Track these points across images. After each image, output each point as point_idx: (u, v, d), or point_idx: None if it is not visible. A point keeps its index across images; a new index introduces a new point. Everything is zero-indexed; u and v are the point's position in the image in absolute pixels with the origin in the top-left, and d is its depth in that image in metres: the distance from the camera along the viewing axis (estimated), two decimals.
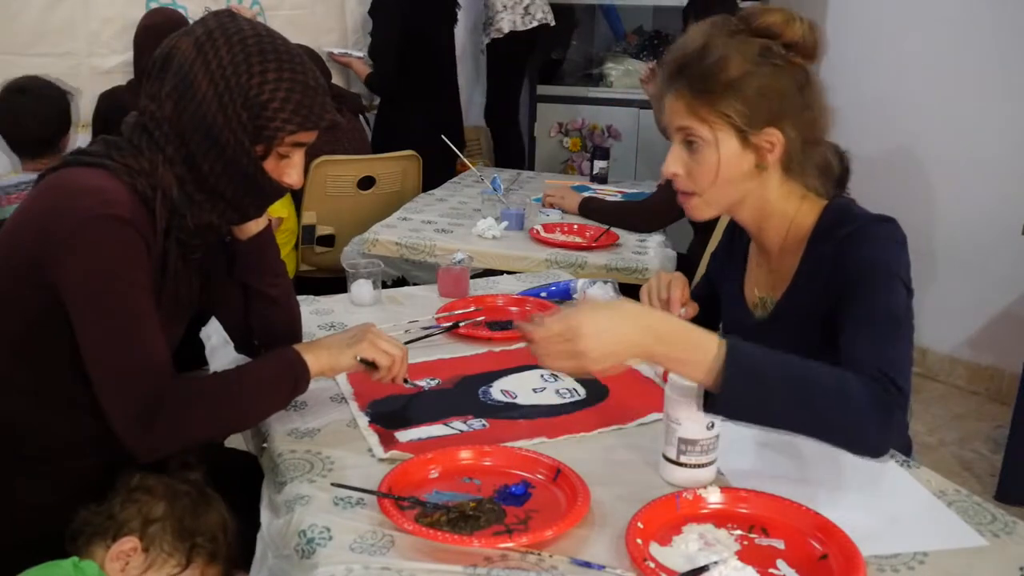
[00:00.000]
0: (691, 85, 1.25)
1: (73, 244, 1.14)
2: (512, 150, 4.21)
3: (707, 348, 1.05)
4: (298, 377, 1.26)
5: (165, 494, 1.23)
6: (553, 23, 4.07)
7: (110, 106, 2.88)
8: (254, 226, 1.41)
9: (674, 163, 1.30)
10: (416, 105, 3.69)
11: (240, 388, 1.23)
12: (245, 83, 1.19)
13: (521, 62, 4.14)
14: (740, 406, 1.06)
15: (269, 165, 1.25)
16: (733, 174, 1.28)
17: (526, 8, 3.98)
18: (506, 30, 3.99)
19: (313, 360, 1.27)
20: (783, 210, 1.34)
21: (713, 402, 1.06)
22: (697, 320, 1.62)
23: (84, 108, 3.07)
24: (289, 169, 1.28)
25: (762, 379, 1.05)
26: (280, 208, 2.91)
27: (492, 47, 4.07)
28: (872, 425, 1.07)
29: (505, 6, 3.97)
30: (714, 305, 1.59)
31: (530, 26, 4.00)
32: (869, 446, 1.09)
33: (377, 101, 4.01)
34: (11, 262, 1.20)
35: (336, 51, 3.89)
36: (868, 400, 1.07)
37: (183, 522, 1.22)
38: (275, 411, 1.29)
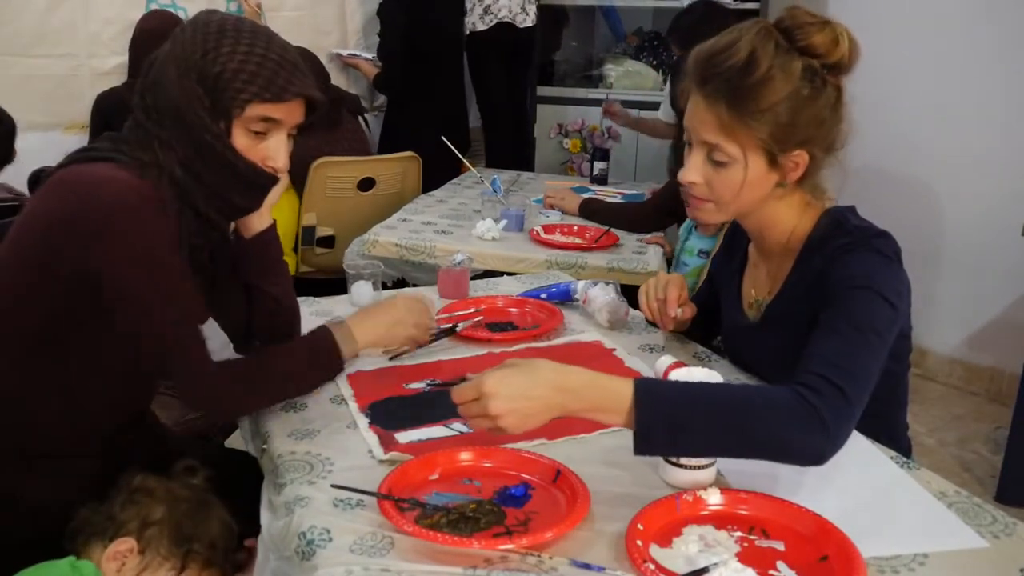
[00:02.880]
0: (729, 101, 1.21)
1: (109, 232, 1.15)
2: (498, 151, 4.18)
3: (622, 393, 1.05)
4: (336, 351, 1.37)
5: (165, 498, 1.23)
6: (524, 24, 4.02)
7: (111, 105, 2.87)
8: (258, 223, 1.41)
9: (695, 173, 1.28)
10: (422, 106, 3.68)
11: (302, 356, 1.36)
12: (199, 59, 1.20)
13: (490, 62, 4.07)
14: (662, 443, 1.07)
15: (240, 143, 1.24)
16: (755, 192, 1.27)
17: (486, 8, 3.95)
18: (467, 31, 3.96)
19: (362, 334, 1.40)
20: (787, 218, 1.33)
21: (637, 445, 1.06)
22: (699, 325, 1.63)
23: (84, 109, 3.08)
24: (270, 152, 1.26)
25: (674, 413, 1.05)
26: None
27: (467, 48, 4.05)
28: (794, 432, 1.05)
29: (468, 9, 3.94)
30: (716, 310, 1.59)
31: (490, 25, 3.95)
32: (799, 453, 1.07)
33: (378, 102, 4.02)
34: (29, 260, 1.20)
35: (344, 52, 3.89)
36: (786, 407, 1.06)
37: (180, 527, 1.22)
38: (322, 383, 1.41)
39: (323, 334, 1.38)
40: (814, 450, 1.06)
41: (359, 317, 1.44)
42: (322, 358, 1.37)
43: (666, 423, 1.05)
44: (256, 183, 1.30)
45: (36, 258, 1.19)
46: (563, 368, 1.09)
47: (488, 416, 1.06)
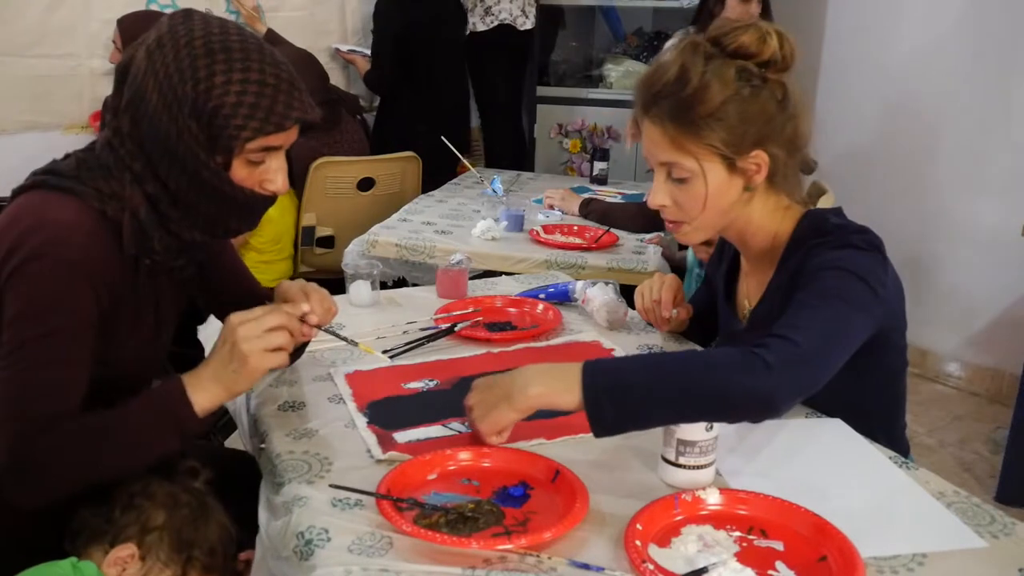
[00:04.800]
0: (672, 117, 1.23)
1: (12, 284, 1.10)
2: (498, 151, 4.19)
3: (571, 373, 1.10)
4: (182, 420, 1.13)
5: (165, 502, 1.22)
6: (524, 27, 4.03)
7: None
8: None
9: (661, 196, 1.29)
10: (417, 105, 3.69)
11: (115, 441, 1.12)
12: (191, 91, 1.10)
13: (490, 63, 4.08)
14: (612, 414, 1.08)
15: (239, 174, 1.17)
16: (722, 200, 1.27)
17: (487, 9, 3.96)
18: (467, 31, 3.98)
19: (203, 398, 1.14)
20: (767, 224, 1.33)
21: (591, 421, 1.08)
22: (699, 327, 1.63)
23: (84, 109, 3.08)
24: (268, 175, 1.19)
25: (619, 380, 1.09)
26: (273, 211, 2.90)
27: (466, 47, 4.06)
28: (736, 377, 1.07)
29: (469, 9, 3.96)
30: (715, 313, 1.59)
31: (490, 26, 3.97)
32: (745, 398, 1.07)
33: (377, 102, 4.01)
34: None
35: (343, 48, 3.90)
36: (729, 360, 1.09)
37: (181, 533, 1.21)
38: (160, 455, 1.16)
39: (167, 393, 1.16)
40: (760, 392, 1.07)
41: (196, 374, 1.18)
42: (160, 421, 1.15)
43: (611, 392, 1.08)
44: (255, 209, 1.25)
45: None
46: (531, 364, 1.17)
47: (467, 408, 1.18)
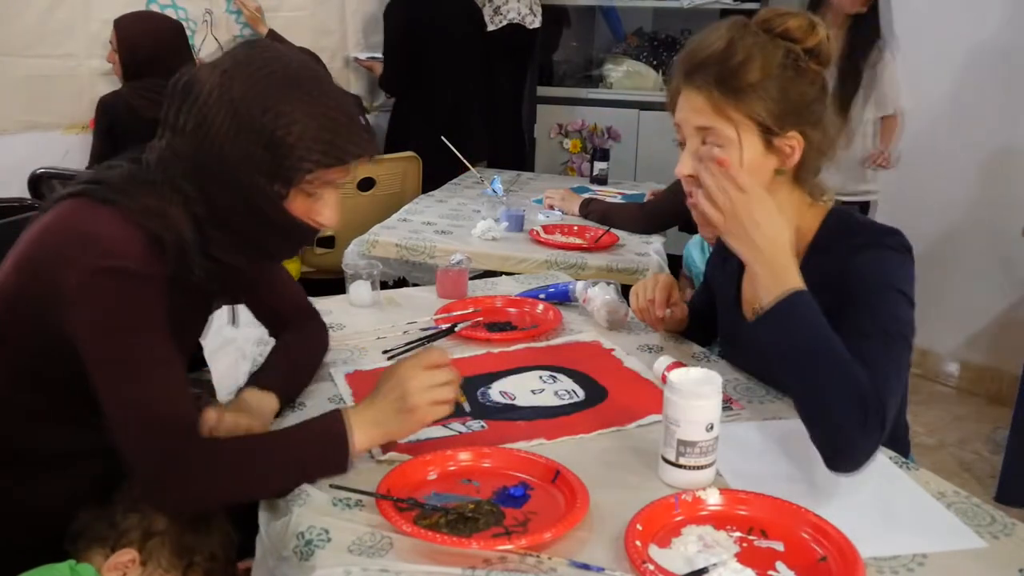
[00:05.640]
0: (718, 83, 1.23)
1: (81, 299, 1.09)
2: (499, 151, 4.18)
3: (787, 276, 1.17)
4: (337, 458, 1.14)
5: None
6: (533, 26, 4.04)
7: (115, 108, 2.84)
8: None
9: (692, 164, 1.26)
10: (427, 105, 3.67)
11: (269, 459, 1.13)
12: (259, 118, 1.11)
13: (498, 62, 4.08)
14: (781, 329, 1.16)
15: (296, 205, 1.18)
16: (754, 177, 1.25)
17: (496, 9, 3.97)
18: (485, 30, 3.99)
19: (362, 439, 1.15)
20: (790, 219, 1.31)
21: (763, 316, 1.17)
22: (699, 327, 1.64)
23: (84, 109, 3.07)
24: (322, 208, 1.20)
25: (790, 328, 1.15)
26: None
27: None
28: (851, 424, 1.09)
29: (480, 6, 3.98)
30: (714, 315, 1.59)
31: (499, 26, 3.98)
32: (843, 445, 1.10)
33: (378, 102, 4.01)
34: (17, 299, 1.16)
35: (363, 56, 3.90)
36: (845, 401, 1.10)
37: (182, 539, 1.21)
38: (307, 481, 1.14)
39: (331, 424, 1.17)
40: (855, 451, 1.10)
41: (360, 411, 1.19)
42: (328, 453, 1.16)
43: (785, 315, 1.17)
44: (301, 238, 1.26)
45: (27, 298, 1.15)
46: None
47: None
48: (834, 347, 1.13)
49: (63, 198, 1.19)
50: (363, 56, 3.91)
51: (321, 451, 1.14)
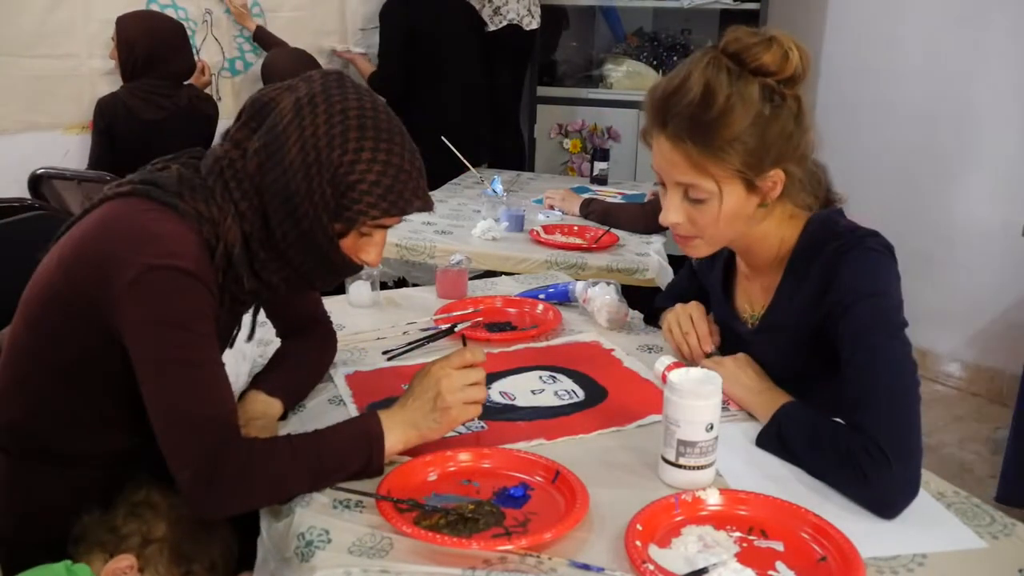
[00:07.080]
0: (694, 138, 1.20)
1: (135, 295, 1.09)
2: (499, 151, 4.18)
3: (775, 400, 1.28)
4: (371, 457, 1.15)
5: (168, 514, 1.21)
6: (531, 27, 4.04)
7: (113, 110, 2.85)
8: None
9: (675, 213, 1.27)
10: (427, 106, 3.66)
11: (310, 461, 1.12)
12: (336, 159, 1.12)
13: (497, 63, 4.07)
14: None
15: (347, 243, 1.19)
16: (736, 218, 1.27)
17: (495, 10, 3.97)
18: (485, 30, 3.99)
19: (395, 440, 1.16)
20: (774, 232, 1.33)
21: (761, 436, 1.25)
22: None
23: (84, 109, 3.07)
24: (370, 248, 1.22)
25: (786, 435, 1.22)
26: None
27: None
28: (856, 489, 1.12)
29: (478, 9, 3.98)
30: (699, 296, 1.57)
31: (499, 27, 3.98)
32: (878, 507, 1.10)
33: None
34: (68, 296, 1.15)
35: (339, 47, 3.88)
36: (854, 465, 1.11)
37: (181, 546, 1.21)
38: (343, 482, 1.14)
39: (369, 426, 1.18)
40: (888, 509, 1.10)
41: (393, 412, 1.20)
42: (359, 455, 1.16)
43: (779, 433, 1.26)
44: (342, 273, 1.28)
45: (78, 294, 1.14)
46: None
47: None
48: (833, 432, 1.18)
49: (110, 197, 1.19)
50: (340, 47, 3.88)
51: (359, 453, 1.14)
